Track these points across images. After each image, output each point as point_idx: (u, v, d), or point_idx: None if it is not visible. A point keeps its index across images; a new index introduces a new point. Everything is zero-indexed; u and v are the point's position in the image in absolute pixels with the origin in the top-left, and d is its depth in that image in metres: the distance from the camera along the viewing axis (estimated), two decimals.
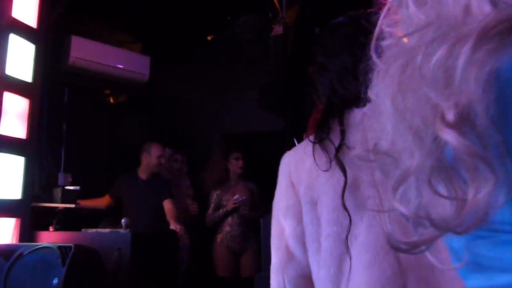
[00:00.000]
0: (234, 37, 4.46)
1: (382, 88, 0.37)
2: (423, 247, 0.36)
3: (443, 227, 0.32)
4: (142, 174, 3.87)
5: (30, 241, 2.87)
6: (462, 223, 0.30)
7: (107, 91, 4.86)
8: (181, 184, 4.22)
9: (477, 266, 0.34)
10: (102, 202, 3.82)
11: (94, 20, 4.43)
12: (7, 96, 2.85)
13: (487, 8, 0.29)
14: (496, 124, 0.29)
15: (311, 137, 0.95)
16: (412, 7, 0.34)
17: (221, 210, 3.82)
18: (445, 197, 0.32)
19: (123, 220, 3.12)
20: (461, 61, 0.28)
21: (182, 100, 5.16)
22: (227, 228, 3.79)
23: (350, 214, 0.85)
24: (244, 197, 3.79)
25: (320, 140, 0.91)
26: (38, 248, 2.45)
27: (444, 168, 0.31)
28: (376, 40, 0.39)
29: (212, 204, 3.89)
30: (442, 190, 0.32)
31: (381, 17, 0.39)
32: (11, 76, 2.88)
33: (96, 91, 4.73)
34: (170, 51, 5.01)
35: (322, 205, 0.91)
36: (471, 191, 0.29)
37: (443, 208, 0.32)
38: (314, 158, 0.92)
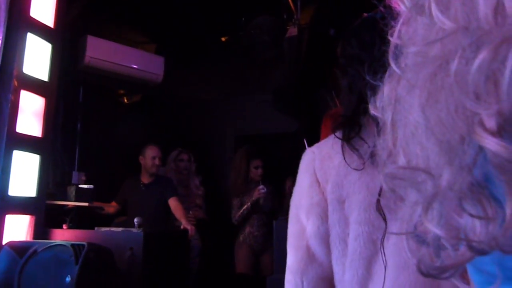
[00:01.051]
0: (249, 39, 4.45)
1: (407, 100, 0.34)
2: (452, 271, 0.34)
3: (486, 247, 0.30)
4: (144, 177, 3.90)
5: (44, 238, 2.89)
6: (508, 241, 0.28)
7: (122, 91, 4.90)
8: (189, 183, 4.22)
9: (507, 279, 0.33)
10: (110, 208, 3.85)
11: (109, 21, 4.47)
12: (24, 94, 2.89)
13: None
14: None
15: (338, 134, 0.91)
16: (436, 13, 0.32)
17: (244, 206, 3.87)
18: (478, 217, 0.30)
19: (135, 219, 3.13)
20: (509, 64, 0.26)
21: (196, 101, 5.17)
22: (249, 229, 3.89)
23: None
24: (266, 190, 3.85)
25: (350, 138, 0.87)
26: (52, 245, 2.46)
27: (475, 186, 0.30)
28: (395, 48, 0.36)
29: (235, 208, 3.96)
30: (472, 209, 0.30)
31: (399, 24, 0.36)
32: (28, 75, 2.91)
33: (111, 90, 4.78)
34: (185, 52, 5.03)
35: (351, 204, 0.86)
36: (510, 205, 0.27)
37: (480, 228, 0.30)
38: (344, 156, 0.87)
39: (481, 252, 0.30)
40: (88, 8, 3.95)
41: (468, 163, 0.29)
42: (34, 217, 2.90)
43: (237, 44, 4.83)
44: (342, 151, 0.88)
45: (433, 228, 0.33)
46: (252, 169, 4.03)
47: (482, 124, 0.28)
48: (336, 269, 0.87)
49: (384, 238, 0.81)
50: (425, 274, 0.35)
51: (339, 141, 0.89)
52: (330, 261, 0.88)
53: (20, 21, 2.89)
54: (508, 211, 0.28)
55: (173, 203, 3.73)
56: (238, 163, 4.09)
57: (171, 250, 3.25)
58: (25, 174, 2.88)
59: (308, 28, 4.11)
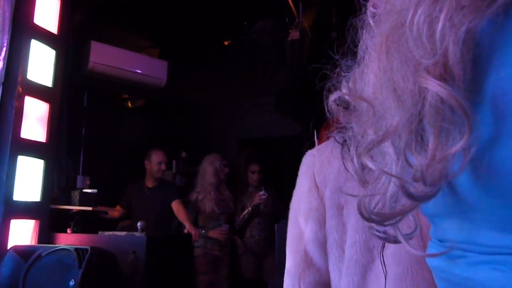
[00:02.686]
0: (251, 42, 4.47)
1: (370, 44, 0.37)
2: (393, 220, 0.36)
3: (408, 182, 0.32)
4: (148, 181, 3.91)
5: (49, 242, 2.91)
6: (427, 176, 0.31)
7: (125, 96, 4.93)
8: (224, 188, 4.11)
9: (455, 285, 0.35)
10: (114, 212, 3.86)
11: (113, 26, 4.50)
12: (28, 100, 2.92)
13: None
14: (474, 82, 0.30)
15: (339, 137, 0.90)
16: None
17: (245, 210, 3.86)
18: (413, 155, 0.32)
19: (139, 224, 3.14)
20: (441, 18, 0.29)
21: (199, 105, 5.19)
22: (250, 233, 3.90)
23: None
24: (266, 195, 3.84)
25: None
26: (55, 249, 2.48)
27: (416, 131, 0.32)
28: (373, 6, 0.39)
29: (238, 212, 3.98)
30: (412, 158, 0.33)
31: None
32: (32, 81, 2.95)
33: (115, 95, 4.81)
34: (188, 56, 5.06)
35: (349, 211, 0.85)
36: (433, 147, 0.30)
37: (414, 172, 0.32)
38: (344, 161, 0.87)
39: (413, 197, 0.32)
40: (91, 14, 3.99)
41: (414, 109, 0.32)
42: (38, 222, 2.93)
43: (239, 48, 4.85)
44: (342, 156, 0.87)
45: (368, 162, 0.36)
46: (249, 173, 4.04)
47: (428, 71, 0.30)
48: (333, 275, 0.87)
49: (383, 247, 0.81)
50: (366, 218, 0.36)
51: (339, 146, 0.89)
52: (328, 267, 0.88)
53: (24, 28, 2.92)
54: (430, 150, 0.30)
55: (175, 206, 3.75)
56: (240, 168, 4.13)
57: (174, 254, 3.26)
58: (29, 179, 2.91)
59: (310, 31, 4.12)
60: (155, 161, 3.87)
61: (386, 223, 0.36)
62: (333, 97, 0.41)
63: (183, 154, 5.01)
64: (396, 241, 0.38)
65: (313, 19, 4.18)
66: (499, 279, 0.31)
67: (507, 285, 0.30)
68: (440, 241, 0.37)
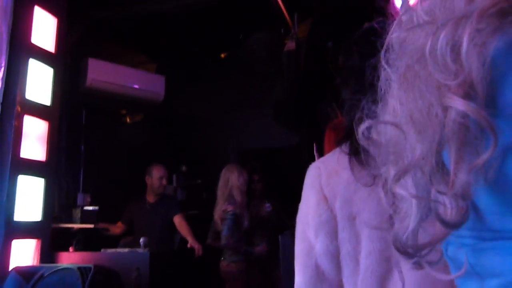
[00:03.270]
0: (247, 54, 4.49)
1: (390, 80, 0.39)
2: (427, 250, 0.37)
3: (440, 208, 0.34)
4: (150, 197, 3.88)
5: (51, 262, 2.89)
6: (452, 196, 0.32)
7: (124, 111, 4.93)
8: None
9: (469, 273, 0.36)
10: (116, 229, 3.83)
11: (110, 43, 4.53)
12: (27, 119, 2.92)
13: None
14: (491, 98, 0.32)
15: (345, 147, 0.88)
16: (422, 16, 0.37)
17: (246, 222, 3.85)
18: (444, 194, 0.34)
19: (141, 240, 3.12)
20: (465, 38, 0.31)
21: (198, 118, 5.20)
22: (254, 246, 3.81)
23: None
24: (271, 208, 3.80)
25: (357, 152, 0.82)
26: (58, 269, 2.46)
27: (440, 163, 0.34)
28: (386, 51, 0.41)
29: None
30: (437, 184, 0.34)
31: (392, 30, 0.41)
32: (30, 100, 2.95)
33: (113, 111, 4.81)
34: (184, 70, 5.08)
35: (363, 220, 0.84)
36: (467, 159, 0.32)
37: (448, 201, 0.34)
38: (353, 171, 0.84)
39: (451, 225, 0.34)
40: (88, 32, 4.01)
41: (436, 138, 0.33)
42: (40, 241, 2.91)
43: (236, 60, 4.88)
44: (350, 166, 0.85)
45: (399, 190, 0.37)
46: (251, 184, 4.00)
47: (452, 92, 0.32)
48: (347, 287, 0.84)
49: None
50: (402, 252, 0.38)
51: (346, 156, 0.86)
52: (341, 280, 0.86)
53: (22, 47, 2.94)
54: (452, 170, 0.32)
55: (177, 220, 3.72)
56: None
57: (177, 270, 3.24)
58: (30, 199, 2.90)
59: (306, 41, 4.15)
60: (156, 176, 3.85)
61: (420, 253, 0.38)
62: (363, 127, 0.42)
63: (183, 168, 5.00)
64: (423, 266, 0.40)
65: (308, 30, 4.21)
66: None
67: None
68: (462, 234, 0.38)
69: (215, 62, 5.13)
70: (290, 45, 4.16)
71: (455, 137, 0.32)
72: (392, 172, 0.38)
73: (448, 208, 0.33)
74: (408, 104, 0.36)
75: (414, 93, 0.35)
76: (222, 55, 5.15)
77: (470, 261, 0.36)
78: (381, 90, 0.41)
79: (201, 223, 4.41)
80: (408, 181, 0.37)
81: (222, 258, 3.56)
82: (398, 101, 0.37)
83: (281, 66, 4.19)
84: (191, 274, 3.46)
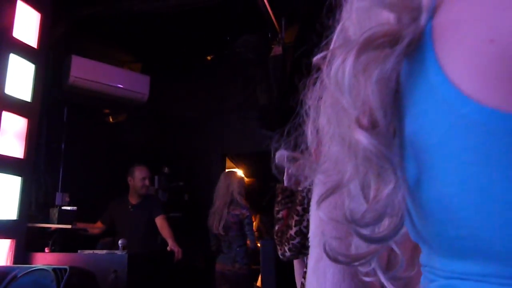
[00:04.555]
0: (234, 57, 4.48)
1: (311, 106, 0.41)
2: (362, 261, 0.38)
3: (350, 224, 0.34)
4: (132, 198, 3.83)
5: (25, 262, 2.81)
6: (363, 220, 0.33)
7: (107, 111, 4.86)
8: None
9: None
10: (94, 229, 3.76)
11: (94, 40, 4.46)
12: (6, 115, 2.85)
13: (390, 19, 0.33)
14: (397, 126, 0.32)
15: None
16: (336, 42, 0.38)
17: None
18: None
19: (120, 241, 3.07)
20: (347, 69, 0.32)
21: (182, 120, 5.16)
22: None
23: None
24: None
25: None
26: (32, 270, 2.39)
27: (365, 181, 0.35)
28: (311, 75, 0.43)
29: None
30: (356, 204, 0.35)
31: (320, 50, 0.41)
32: (10, 96, 2.88)
33: (96, 110, 4.74)
34: (170, 71, 5.04)
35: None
36: (373, 192, 0.33)
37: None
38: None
39: (366, 239, 0.34)
40: (72, 28, 3.94)
41: (354, 165, 0.34)
42: (14, 241, 2.83)
43: (222, 62, 4.86)
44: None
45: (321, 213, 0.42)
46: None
47: (358, 121, 0.32)
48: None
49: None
50: (331, 258, 0.38)
51: None
52: None
53: (2, 41, 2.87)
54: (372, 195, 0.33)
55: (159, 221, 3.68)
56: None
57: (156, 272, 3.19)
58: (6, 197, 2.82)
59: (292, 46, 4.16)
60: (138, 177, 3.80)
61: (354, 264, 0.38)
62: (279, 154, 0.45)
63: (165, 170, 4.95)
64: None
65: (295, 35, 4.22)
66: None
67: None
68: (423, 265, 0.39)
69: (201, 64, 5.10)
70: (277, 49, 4.17)
71: (367, 167, 0.32)
72: (320, 190, 0.40)
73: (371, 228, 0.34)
74: (328, 133, 0.37)
75: (332, 120, 0.36)
76: (209, 57, 5.12)
77: None
78: (302, 117, 0.43)
79: (182, 226, 4.37)
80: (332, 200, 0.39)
81: (234, 262, 3.61)
82: (316, 126, 0.39)
83: (267, 70, 4.19)
84: (169, 277, 3.41)
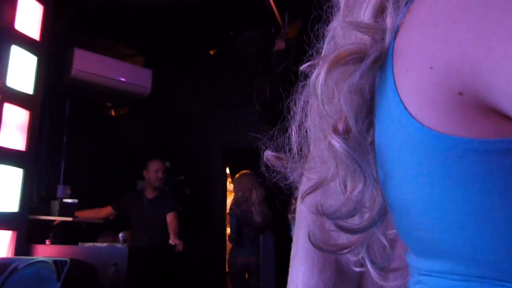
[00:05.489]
0: (237, 52, 4.46)
1: (295, 111, 0.45)
2: (346, 251, 0.42)
3: (323, 217, 0.38)
4: (148, 192, 3.89)
5: (26, 254, 2.82)
6: (337, 214, 0.37)
7: (109, 104, 4.86)
8: None
9: None
10: (101, 212, 3.79)
11: (97, 33, 4.45)
12: (7, 107, 2.84)
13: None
14: (365, 133, 0.36)
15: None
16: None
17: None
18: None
19: (120, 235, 3.07)
20: (320, 82, 0.35)
21: (184, 114, 5.15)
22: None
23: None
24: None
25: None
26: (33, 262, 2.40)
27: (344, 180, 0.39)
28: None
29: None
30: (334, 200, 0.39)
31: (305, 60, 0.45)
32: (12, 88, 2.88)
33: (98, 103, 4.73)
34: (173, 65, 5.02)
35: None
36: (348, 189, 0.37)
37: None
38: None
39: (345, 230, 0.38)
40: (75, 21, 3.93)
41: (334, 165, 0.38)
42: (16, 233, 2.84)
43: (225, 57, 4.84)
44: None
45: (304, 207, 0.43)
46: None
47: (334, 127, 0.36)
48: None
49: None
50: (315, 246, 0.42)
51: None
52: None
53: (4, 33, 2.86)
54: (347, 193, 0.38)
55: (169, 217, 3.73)
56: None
57: (156, 266, 3.20)
58: (7, 189, 2.82)
59: (296, 41, 4.14)
60: (152, 169, 3.86)
61: (340, 252, 0.42)
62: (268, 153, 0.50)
63: (167, 164, 4.94)
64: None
65: (299, 30, 4.20)
66: None
67: None
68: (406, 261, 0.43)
69: (204, 59, 5.09)
70: (280, 44, 4.15)
71: (343, 167, 0.36)
72: (305, 186, 0.43)
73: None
74: (314, 135, 0.40)
75: (316, 126, 0.40)
76: (211, 52, 5.10)
77: None
78: (288, 120, 0.46)
79: (183, 220, 4.38)
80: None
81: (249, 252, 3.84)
82: (300, 127, 0.43)
83: (270, 65, 4.18)
84: (170, 270, 3.42)
